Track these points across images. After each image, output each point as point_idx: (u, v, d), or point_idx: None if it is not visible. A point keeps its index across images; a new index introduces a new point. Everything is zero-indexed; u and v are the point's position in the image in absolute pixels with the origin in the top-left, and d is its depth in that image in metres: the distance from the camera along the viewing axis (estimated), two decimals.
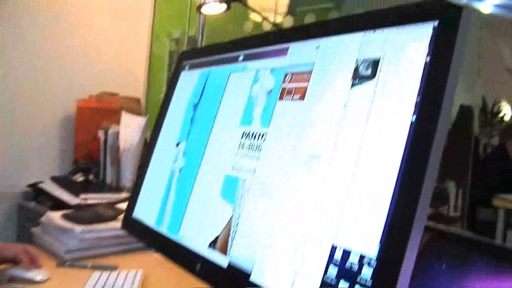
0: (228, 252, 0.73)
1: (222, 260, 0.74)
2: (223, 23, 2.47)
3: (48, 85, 2.29)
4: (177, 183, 0.92)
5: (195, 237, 0.81)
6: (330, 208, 0.61)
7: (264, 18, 1.84)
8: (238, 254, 0.71)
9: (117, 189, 1.99)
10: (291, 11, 2.45)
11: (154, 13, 2.76)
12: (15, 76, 2.18)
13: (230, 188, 0.78)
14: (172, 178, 0.94)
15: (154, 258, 1.30)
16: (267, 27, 2.26)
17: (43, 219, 1.38)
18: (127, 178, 1.98)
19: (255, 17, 2.35)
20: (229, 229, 0.74)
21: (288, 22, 2.21)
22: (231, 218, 0.74)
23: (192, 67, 1.04)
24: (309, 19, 2.11)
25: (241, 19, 2.37)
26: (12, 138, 2.19)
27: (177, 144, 0.96)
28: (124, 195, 1.90)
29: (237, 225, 0.73)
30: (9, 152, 2.18)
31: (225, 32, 2.45)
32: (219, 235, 0.76)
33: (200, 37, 2.15)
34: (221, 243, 0.75)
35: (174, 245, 0.86)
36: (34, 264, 1.10)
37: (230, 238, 0.73)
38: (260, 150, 0.75)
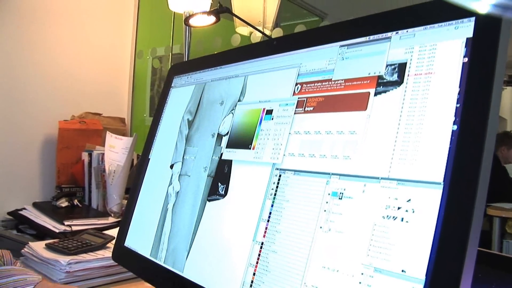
0: None
1: None
2: (209, 39, 2.40)
3: (27, 106, 2.18)
4: (174, 209, 0.83)
5: (203, 272, 0.72)
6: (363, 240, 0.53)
7: (256, 29, 1.77)
8: None
9: (104, 214, 1.89)
10: (278, 24, 2.39)
11: (137, 30, 2.67)
12: None
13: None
14: (167, 203, 0.85)
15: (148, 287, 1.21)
16: (255, 40, 2.19)
17: (25, 250, 1.28)
18: (114, 202, 1.88)
19: (241, 31, 2.29)
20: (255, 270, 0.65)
21: (277, 34, 2.15)
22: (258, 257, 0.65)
23: (185, 81, 0.96)
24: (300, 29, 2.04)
25: (228, 34, 2.30)
26: None
27: (171, 166, 0.88)
28: (111, 220, 1.80)
29: (266, 266, 0.64)
30: None
31: (212, 48, 2.38)
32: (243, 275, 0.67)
33: (186, 53, 2.07)
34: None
35: (174, 279, 0.77)
36: None
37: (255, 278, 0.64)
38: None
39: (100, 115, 2.32)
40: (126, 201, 1.87)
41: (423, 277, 0.47)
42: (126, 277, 1.24)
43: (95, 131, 2.21)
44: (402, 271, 0.49)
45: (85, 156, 2.09)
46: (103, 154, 1.99)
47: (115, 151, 1.92)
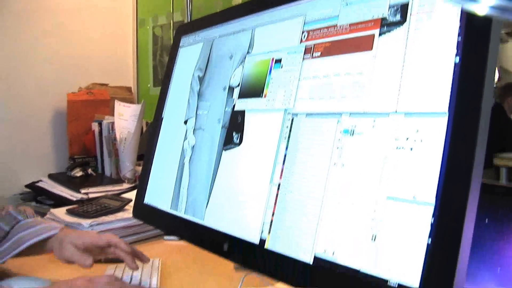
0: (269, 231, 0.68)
1: (254, 238, 0.69)
2: (210, 4, 2.40)
3: (35, 81, 2.21)
4: (190, 162, 0.86)
5: (224, 218, 0.76)
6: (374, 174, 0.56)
7: None
8: (278, 231, 0.67)
9: (118, 180, 1.93)
10: None
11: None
12: (1, 75, 2.11)
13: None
14: (183, 158, 0.88)
15: (167, 246, 1.25)
16: None
17: (47, 217, 1.32)
18: (127, 169, 1.92)
19: None
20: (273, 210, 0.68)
21: None
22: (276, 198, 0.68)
23: (193, 40, 0.98)
24: None
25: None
26: (3, 139, 2.11)
27: (185, 122, 0.91)
28: (126, 186, 1.84)
29: (284, 206, 0.68)
30: (1, 154, 2.11)
31: (213, 11, 2.38)
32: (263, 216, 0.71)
33: (188, 15, 2.07)
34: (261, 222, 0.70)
35: (195, 228, 0.81)
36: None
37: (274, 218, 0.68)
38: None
39: (106, 85, 2.35)
40: (139, 167, 1.91)
41: (433, 201, 0.51)
42: (145, 236, 1.29)
43: (103, 101, 2.23)
44: (413, 197, 0.52)
45: (95, 126, 2.13)
46: (113, 123, 2.02)
47: (124, 118, 1.95)
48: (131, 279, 0.96)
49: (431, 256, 0.50)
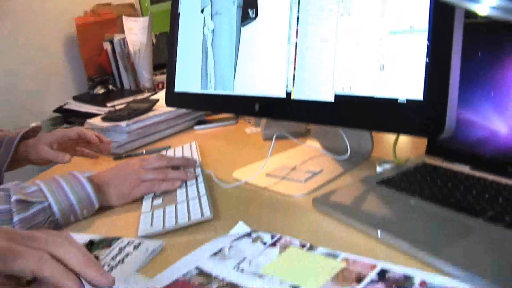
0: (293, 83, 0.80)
1: (281, 93, 0.81)
2: None
3: (42, 11, 2.27)
4: (213, 45, 0.96)
5: (251, 84, 0.87)
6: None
7: None
8: (301, 82, 0.78)
9: (138, 91, 2.05)
10: None
11: None
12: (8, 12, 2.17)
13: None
14: (205, 42, 0.98)
15: (199, 134, 1.37)
16: None
17: (86, 126, 1.44)
18: (146, 79, 2.02)
19: None
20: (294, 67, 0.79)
21: None
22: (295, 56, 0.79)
23: None
24: None
25: None
26: (22, 72, 2.21)
27: (202, 11, 1.00)
28: (147, 94, 1.95)
29: (303, 60, 0.79)
30: (24, 84, 2.21)
31: None
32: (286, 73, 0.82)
33: None
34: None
35: (227, 99, 0.92)
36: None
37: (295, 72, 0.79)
38: None
39: (110, 5, 2.41)
40: (156, 76, 2.02)
41: (426, 27, 0.61)
42: (177, 129, 1.41)
43: (110, 20, 2.31)
44: (410, 27, 0.63)
45: (106, 45, 2.22)
46: (124, 38, 2.11)
47: (134, 32, 2.03)
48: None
49: (429, 73, 0.61)
